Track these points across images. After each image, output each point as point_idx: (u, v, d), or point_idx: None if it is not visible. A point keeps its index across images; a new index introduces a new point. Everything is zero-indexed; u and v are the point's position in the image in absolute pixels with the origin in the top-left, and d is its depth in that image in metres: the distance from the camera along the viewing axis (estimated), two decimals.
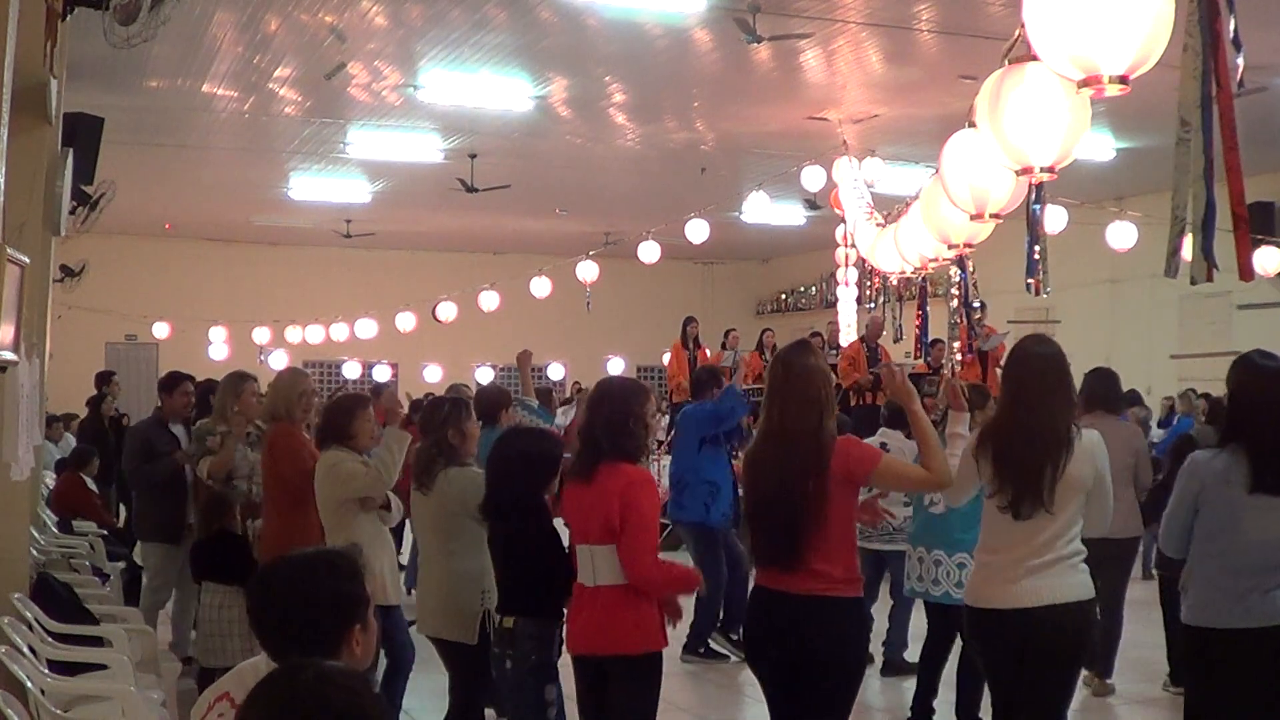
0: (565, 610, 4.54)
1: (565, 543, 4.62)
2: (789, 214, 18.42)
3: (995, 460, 4.24)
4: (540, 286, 17.82)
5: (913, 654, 7.67)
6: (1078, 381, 7.22)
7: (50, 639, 5.14)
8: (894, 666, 7.76)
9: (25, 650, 4.59)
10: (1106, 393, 7.18)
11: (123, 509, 11.76)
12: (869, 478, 4.14)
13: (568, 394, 20.00)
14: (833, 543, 4.04)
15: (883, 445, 7.97)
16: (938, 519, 6.39)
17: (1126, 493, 6.95)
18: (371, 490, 5.50)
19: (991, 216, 5.45)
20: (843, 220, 13.69)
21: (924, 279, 10.76)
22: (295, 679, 1.98)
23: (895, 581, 7.65)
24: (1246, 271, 3.56)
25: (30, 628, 5.00)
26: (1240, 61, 3.53)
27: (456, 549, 5.14)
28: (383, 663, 5.47)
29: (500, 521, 4.66)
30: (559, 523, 4.73)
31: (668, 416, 13.04)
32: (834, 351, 14.16)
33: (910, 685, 7.47)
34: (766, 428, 4.19)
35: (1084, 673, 7.09)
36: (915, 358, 13.77)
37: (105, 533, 9.01)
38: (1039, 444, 4.14)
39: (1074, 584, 4.17)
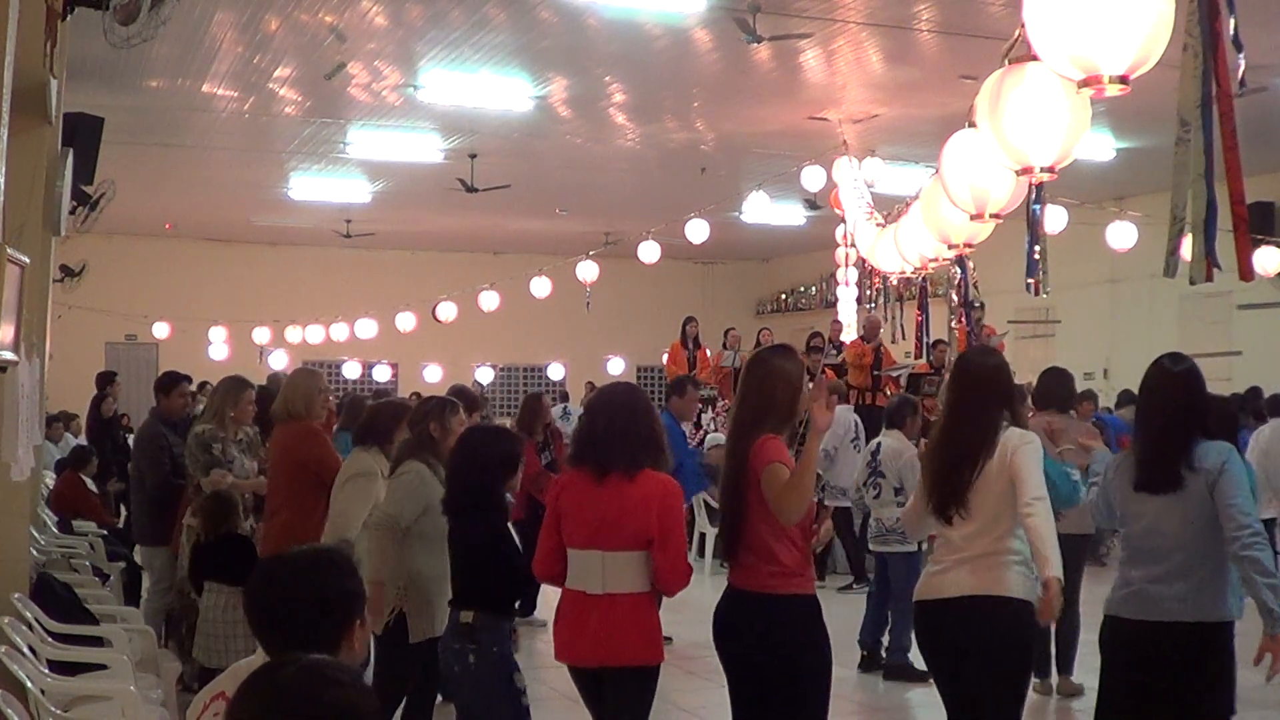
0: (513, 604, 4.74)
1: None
2: (789, 214, 18.41)
3: (926, 467, 4.43)
4: (540, 286, 17.83)
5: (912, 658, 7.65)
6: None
7: (50, 639, 5.14)
8: (896, 670, 7.69)
9: (25, 650, 4.59)
10: (1059, 392, 7.23)
11: (124, 509, 11.77)
12: (760, 478, 4.05)
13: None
14: (767, 539, 4.06)
15: (879, 444, 8.00)
16: None
17: None
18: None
19: (991, 216, 5.45)
20: (843, 220, 13.69)
21: (924, 279, 10.75)
22: (283, 673, 1.96)
23: (896, 583, 7.63)
24: (1246, 271, 3.56)
25: (30, 628, 4.99)
26: (1241, 61, 3.53)
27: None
28: None
29: (460, 519, 4.70)
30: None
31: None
32: (835, 351, 14.16)
33: (915, 689, 7.44)
34: (729, 425, 4.38)
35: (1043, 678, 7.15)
36: (916, 358, 13.77)
37: (105, 533, 9.01)
38: (961, 449, 4.24)
39: (1000, 579, 4.17)
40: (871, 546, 8.06)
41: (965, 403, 4.33)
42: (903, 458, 7.60)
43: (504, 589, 4.63)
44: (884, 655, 7.89)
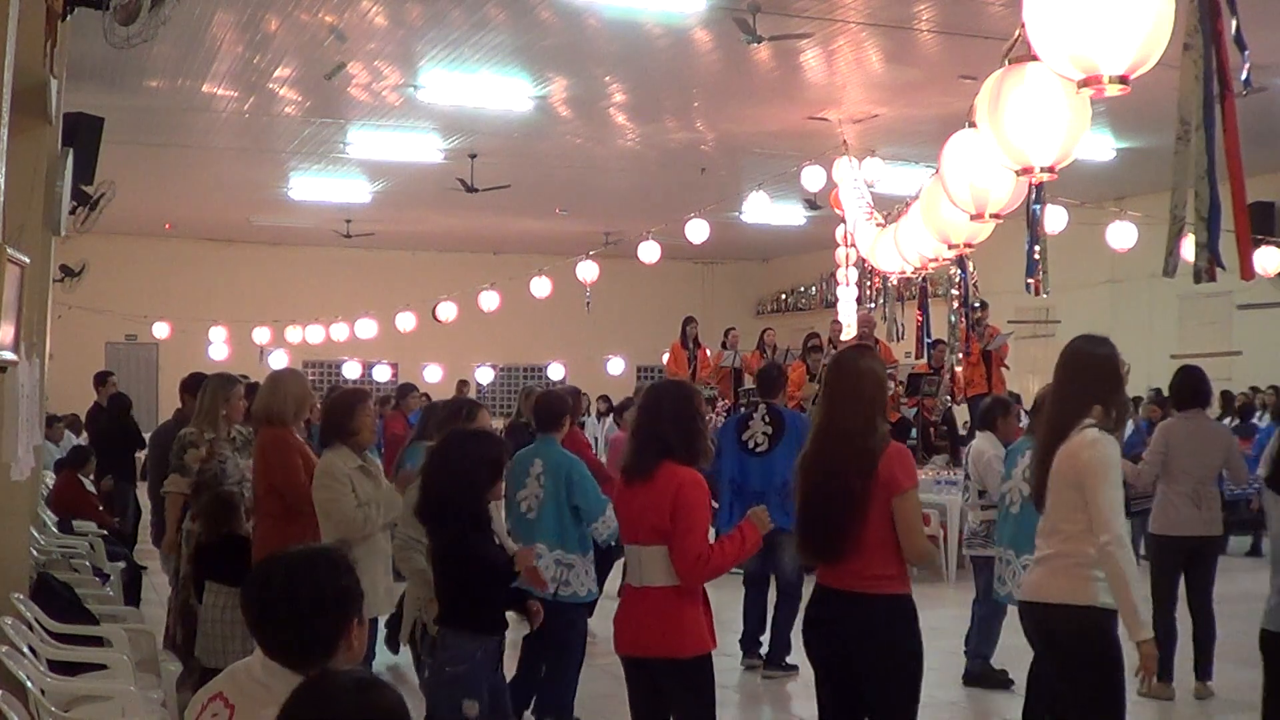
0: (501, 627, 4.50)
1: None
2: (789, 214, 18.42)
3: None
4: (540, 286, 17.83)
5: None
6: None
7: (50, 639, 5.13)
8: (974, 677, 7.32)
9: (25, 650, 4.59)
10: (1196, 390, 7.19)
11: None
12: (893, 498, 4.05)
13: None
14: (877, 541, 4.04)
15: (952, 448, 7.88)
16: (1022, 519, 6.12)
17: (1212, 490, 7.02)
18: (342, 533, 5.26)
19: (991, 216, 5.44)
20: (843, 220, 13.69)
21: (924, 279, 10.75)
22: (331, 688, 2.05)
23: (980, 587, 7.33)
24: (1247, 271, 3.56)
25: (30, 628, 4.99)
26: (1246, 59, 3.53)
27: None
28: None
29: (436, 527, 4.49)
30: None
31: None
32: (835, 351, 14.17)
33: (995, 695, 7.26)
34: (818, 427, 4.24)
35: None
36: (916, 358, 13.77)
37: (105, 533, 9.00)
38: (1051, 436, 4.14)
39: (1061, 587, 4.05)
40: (964, 550, 7.95)
41: (1061, 389, 4.21)
42: (984, 458, 7.42)
43: (466, 606, 4.38)
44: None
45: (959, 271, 9.03)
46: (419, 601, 5.07)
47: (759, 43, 10.22)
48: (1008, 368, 14.07)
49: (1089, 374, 4.16)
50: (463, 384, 19.02)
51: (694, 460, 4.28)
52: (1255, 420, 14.36)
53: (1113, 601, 3.97)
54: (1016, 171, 4.50)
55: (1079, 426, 4.06)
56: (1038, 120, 4.24)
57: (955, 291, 10.37)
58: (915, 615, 4.13)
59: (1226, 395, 14.33)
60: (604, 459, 10.32)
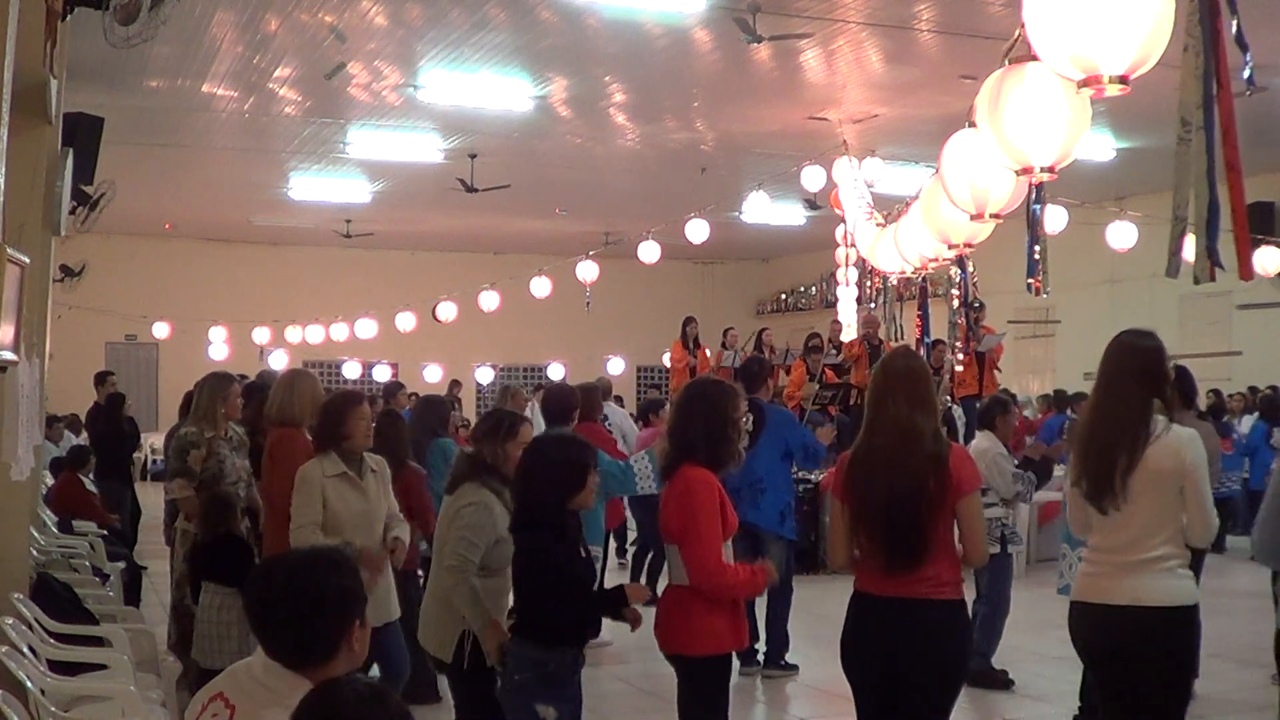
0: (581, 639, 4.29)
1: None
2: (789, 214, 18.42)
3: (1077, 449, 4.19)
4: (540, 286, 17.85)
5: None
6: None
7: (50, 639, 5.13)
8: (978, 677, 7.12)
9: (25, 650, 4.59)
10: (1186, 391, 7.16)
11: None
12: (961, 499, 4.00)
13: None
14: (945, 545, 4.02)
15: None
16: None
17: None
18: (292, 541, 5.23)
19: (991, 216, 5.45)
20: (843, 220, 13.70)
21: (924, 279, 10.76)
22: (338, 698, 2.06)
23: (982, 586, 7.25)
24: (1245, 270, 3.56)
25: (30, 628, 4.99)
26: (1249, 59, 3.53)
27: (442, 564, 5.02)
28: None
29: (522, 534, 4.29)
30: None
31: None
32: (835, 351, 14.18)
33: (995, 695, 7.24)
34: (879, 427, 4.10)
35: None
36: None
37: (105, 533, 9.00)
38: (1113, 434, 4.01)
39: (1163, 588, 3.95)
40: None
41: (1116, 381, 4.07)
42: (986, 457, 7.32)
43: (541, 618, 4.17)
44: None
45: (959, 271, 9.05)
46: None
47: (759, 43, 10.23)
48: (1000, 370, 14.05)
49: (1142, 368, 4.06)
50: (455, 384, 19.00)
51: (718, 465, 4.27)
52: (1229, 420, 14.36)
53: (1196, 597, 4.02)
54: (1016, 171, 4.51)
55: (1159, 424, 3.95)
56: (1038, 120, 4.25)
57: (955, 291, 10.39)
58: (969, 621, 4.15)
59: (1216, 395, 14.34)
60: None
